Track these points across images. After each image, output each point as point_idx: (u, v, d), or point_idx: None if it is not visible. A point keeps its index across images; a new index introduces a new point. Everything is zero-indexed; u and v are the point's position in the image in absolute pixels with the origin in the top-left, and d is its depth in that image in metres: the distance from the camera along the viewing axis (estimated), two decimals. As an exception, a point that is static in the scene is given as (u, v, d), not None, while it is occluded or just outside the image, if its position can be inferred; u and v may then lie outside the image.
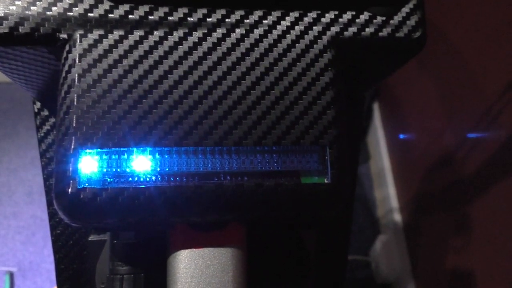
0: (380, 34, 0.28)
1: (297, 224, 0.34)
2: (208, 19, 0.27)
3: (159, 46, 0.26)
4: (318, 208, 0.26)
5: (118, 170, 0.25)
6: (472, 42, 0.76)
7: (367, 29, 0.28)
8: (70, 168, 0.24)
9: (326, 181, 0.26)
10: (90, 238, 0.35)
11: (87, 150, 0.25)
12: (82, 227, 0.37)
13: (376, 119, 1.20)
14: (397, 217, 1.07)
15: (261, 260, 0.33)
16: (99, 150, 0.25)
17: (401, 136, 1.10)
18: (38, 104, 0.37)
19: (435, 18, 0.87)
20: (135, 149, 0.25)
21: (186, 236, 0.28)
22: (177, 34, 0.27)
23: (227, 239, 0.28)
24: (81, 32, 0.26)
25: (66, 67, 0.25)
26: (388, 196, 1.11)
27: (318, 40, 0.28)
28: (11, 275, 1.06)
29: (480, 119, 0.75)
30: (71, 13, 0.26)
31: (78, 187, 0.24)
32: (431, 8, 0.89)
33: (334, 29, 0.28)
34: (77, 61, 0.25)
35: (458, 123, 0.83)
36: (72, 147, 0.24)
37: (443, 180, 0.89)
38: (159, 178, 0.25)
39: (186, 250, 0.28)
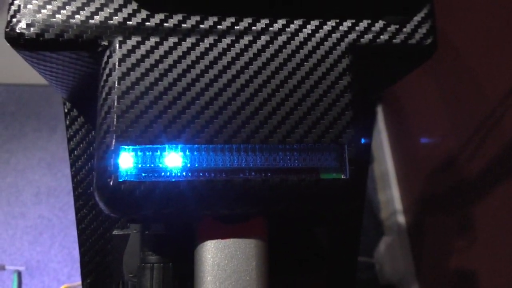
0: (394, 41, 0.30)
1: (312, 220, 0.36)
2: (236, 27, 0.29)
3: (191, 51, 0.28)
4: (336, 201, 0.28)
5: (152, 165, 0.27)
6: (476, 46, 0.77)
7: (381, 37, 0.30)
8: (112, 163, 0.26)
9: (343, 177, 0.28)
10: (114, 232, 0.37)
11: (126, 147, 0.26)
12: (108, 221, 0.38)
13: (379, 121, 1.21)
14: (401, 219, 1.08)
15: (281, 252, 0.35)
16: (136, 146, 0.27)
17: (405, 138, 1.10)
18: (69, 105, 0.39)
19: (439, 22, 0.88)
20: (167, 146, 0.27)
21: (212, 228, 0.30)
22: (208, 40, 0.29)
23: (251, 231, 0.30)
24: (121, 38, 0.28)
25: (107, 71, 0.27)
26: (392, 198, 1.12)
27: (337, 47, 0.30)
28: (19, 274, 1.08)
29: (483, 121, 0.76)
30: (112, 21, 0.28)
31: (119, 180, 0.26)
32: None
33: (351, 36, 0.30)
34: (117, 65, 0.27)
35: (461, 126, 0.84)
36: (113, 144, 0.26)
37: (446, 182, 0.90)
38: (190, 173, 0.27)
39: (213, 241, 0.30)
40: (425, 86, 0.97)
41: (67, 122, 0.38)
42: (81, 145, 0.38)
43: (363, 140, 0.29)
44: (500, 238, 0.73)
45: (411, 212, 1.05)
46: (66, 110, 0.38)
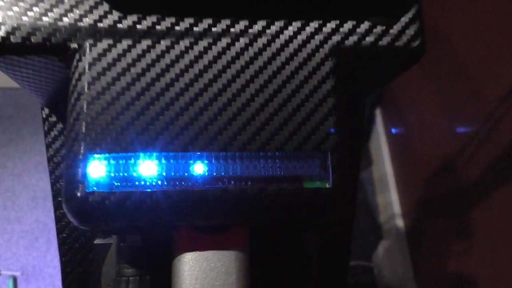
0: (380, 43, 0.29)
1: (299, 226, 0.35)
2: (213, 29, 0.28)
3: (165, 55, 0.27)
4: (320, 211, 0.27)
5: (125, 174, 0.26)
6: (474, 47, 0.76)
7: (367, 38, 0.29)
8: (79, 173, 0.25)
9: (327, 186, 0.27)
10: (95, 242, 0.36)
11: (96, 155, 0.25)
12: (89, 231, 0.37)
13: (378, 124, 1.21)
14: (400, 222, 1.07)
15: (264, 263, 0.34)
16: (107, 155, 0.26)
17: (404, 141, 1.10)
18: (47, 110, 0.38)
19: (437, 24, 0.88)
20: (141, 154, 0.26)
21: (190, 239, 0.29)
22: (183, 43, 0.28)
23: (231, 242, 0.29)
24: (91, 41, 0.27)
25: (76, 75, 0.26)
26: (390, 201, 1.11)
27: (320, 49, 0.29)
28: (15, 279, 1.07)
29: (482, 124, 0.75)
30: (81, 24, 0.27)
31: (86, 190, 0.25)
32: (433, 14, 0.90)
33: (336, 38, 0.29)
34: (87, 70, 0.26)
35: (461, 129, 0.83)
36: (82, 152, 0.25)
37: (445, 185, 0.89)
38: (165, 183, 0.26)
39: (191, 253, 0.28)
40: (424, 89, 0.97)
41: (45, 128, 0.37)
42: (60, 152, 0.37)
43: (349, 147, 0.28)
44: (499, 241, 0.72)
45: (410, 215, 1.05)
46: (44, 116, 0.38)
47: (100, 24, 0.27)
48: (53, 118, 0.38)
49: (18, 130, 1.27)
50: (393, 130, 1.15)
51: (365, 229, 1.12)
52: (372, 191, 1.18)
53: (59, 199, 0.37)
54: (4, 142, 1.25)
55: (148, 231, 0.32)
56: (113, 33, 0.27)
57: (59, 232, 0.38)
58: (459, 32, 0.81)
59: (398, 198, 1.10)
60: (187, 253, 0.28)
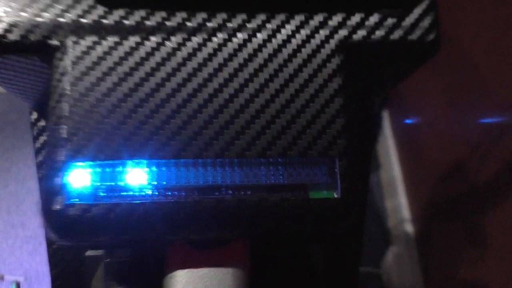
0: (391, 37, 0.27)
1: (304, 239, 0.32)
2: (208, 24, 0.26)
3: (156, 52, 0.25)
4: (326, 224, 0.25)
5: (112, 184, 0.24)
6: (486, 47, 0.74)
7: (377, 32, 0.27)
8: (59, 182, 0.23)
9: (335, 196, 0.25)
10: (87, 254, 0.34)
11: (78, 163, 0.23)
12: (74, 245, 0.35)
13: (386, 127, 1.19)
14: (409, 227, 1.05)
15: (268, 276, 0.32)
16: (91, 163, 0.24)
17: (412, 144, 1.08)
18: (35, 114, 0.36)
19: (446, 22, 0.86)
20: (129, 161, 0.24)
21: (183, 255, 0.27)
22: (175, 39, 0.26)
23: (228, 258, 0.27)
24: (74, 39, 0.25)
25: (57, 75, 0.25)
26: (399, 206, 1.09)
27: (326, 45, 0.26)
28: (18, 284, 1.06)
29: (494, 126, 0.73)
30: (63, 19, 0.25)
31: (66, 202, 0.23)
32: (443, 12, 0.87)
33: (342, 33, 0.27)
34: (69, 69, 0.24)
35: (472, 131, 0.81)
36: (62, 159, 0.23)
37: (457, 189, 0.87)
38: (155, 193, 0.24)
39: (184, 270, 0.26)
40: (433, 90, 0.95)
41: (34, 133, 0.35)
42: None
43: (359, 152, 0.26)
44: (513, 248, 0.70)
45: (420, 220, 1.03)
46: (32, 120, 0.36)
47: (83, 20, 0.25)
48: (42, 123, 0.36)
49: (22, 135, 1.27)
50: (402, 132, 1.14)
51: (373, 235, 1.10)
52: (380, 195, 1.16)
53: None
54: (8, 147, 1.25)
55: (137, 246, 0.30)
56: (98, 29, 0.25)
57: (49, 243, 0.36)
58: (470, 30, 0.79)
59: (407, 202, 1.08)
60: (180, 271, 0.26)
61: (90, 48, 0.25)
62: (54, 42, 0.25)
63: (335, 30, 0.27)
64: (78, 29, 0.25)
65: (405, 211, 1.07)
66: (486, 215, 0.77)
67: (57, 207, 0.23)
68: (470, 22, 0.79)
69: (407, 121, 1.11)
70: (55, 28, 0.25)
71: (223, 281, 0.26)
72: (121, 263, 0.30)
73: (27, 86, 0.29)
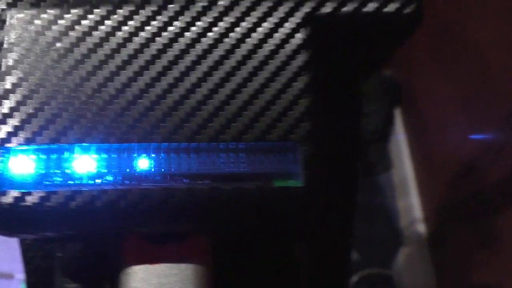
0: (364, 10, 0.24)
1: (273, 234, 0.31)
2: None
3: (99, 26, 0.23)
4: (289, 215, 0.23)
5: (50, 171, 0.22)
6: (499, 43, 0.73)
7: (348, 4, 0.24)
8: None
9: (301, 184, 0.22)
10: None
11: (13, 147, 0.22)
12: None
13: (397, 125, 1.17)
14: (421, 228, 1.03)
15: (237, 276, 0.30)
16: (24, 146, 0.22)
17: (425, 142, 1.06)
18: None
19: (458, 17, 0.85)
20: (69, 145, 0.22)
21: (139, 249, 0.25)
22: (121, 12, 0.24)
23: (187, 253, 0.25)
24: (11, 12, 0.23)
25: None
26: (411, 206, 1.07)
27: (290, 18, 0.24)
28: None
29: (507, 124, 0.72)
30: None
31: None
32: (453, 8, 0.86)
33: (309, 4, 0.24)
34: (5, 45, 0.23)
35: (486, 129, 0.80)
36: None
37: (470, 188, 0.86)
38: (99, 180, 0.22)
39: (140, 266, 0.24)
40: (446, 87, 0.93)
41: None
42: None
43: (331, 138, 0.24)
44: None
45: (432, 221, 1.00)
46: None
47: None
48: None
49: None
50: (414, 131, 1.13)
51: (384, 236, 1.08)
52: (392, 196, 1.14)
53: None
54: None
55: (91, 239, 0.29)
56: (37, 1, 0.24)
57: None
58: (482, 29, 0.78)
59: (420, 202, 1.06)
60: (135, 267, 0.24)
61: (29, 22, 0.23)
62: None
63: (300, 2, 0.24)
64: (15, 2, 0.24)
65: (417, 211, 1.05)
66: (501, 215, 0.75)
67: None
68: (487, 20, 0.78)
69: (419, 120, 1.09)
70: None
71: (180, 277, 0.24)
72: (74, 259, 0.28)
73: None
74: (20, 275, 1.08)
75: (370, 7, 0.24)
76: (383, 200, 1.14)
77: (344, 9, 0.24)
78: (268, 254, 0.31)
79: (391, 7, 0.24)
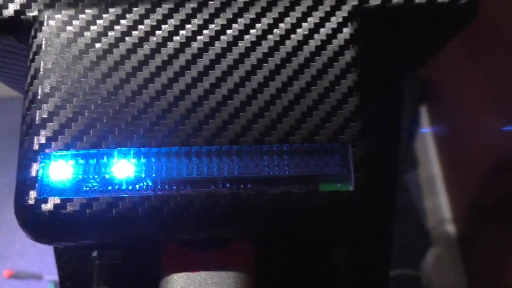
0: (416, 0, 0.23)
1: (320, 240, 0.29)
2: None
3: (138, 26, 0.23)
4: (340, 222, 0.21)
5: (91, 177, 0.21)
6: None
7: None
8: (30, 175, 0.21)
9: (350, 189, 0.21)
10: (94, 254, 0.32)
11: (53, 153, 0.21)
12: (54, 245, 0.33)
13: (424, 122, 1.15)
14: (450, 228, 1.01)
15: (280, 281, 0.29)
16: (67, 152, 0.21)
17: (453, 139, 1.04)
18: None
19: (490, 11, 0.82)
20: (110, 151, 0.21)
21: (179, 257, 0.24)
22: (161, 11, 0.23)
23: (228, 261, 0.24)
24: (48, 13, 0.23)
25: (31, 55, 0.22)
26: (439, 205, 1.05)
27: (336, 12, 0.23)
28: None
29: None
30: None
31: (38, 197, 0.21)
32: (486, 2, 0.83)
33: None
34: (43, 47, 0.22)
35: None
36: (33, 149, 0.21)
37: (500, 186, 0.83)
38: (142, 187, 0.22)
39: (180, 274, 0.24)
40: (475, 82, 0.90)
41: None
42: None
43: (380, 138, 0.22)
44: None
45: (462, 220, 0.98)
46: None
47: None
48: None
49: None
50: (441, 128, 1.10)
51: (412, 236, 1.06)
52: (419, 195, 1.11)
53: None
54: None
55: (131, 247, 0.28)
56: (75, 2, 0.23)
57: None
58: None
59: (448, 201, 1.03)
60: (176, 274, 0.24)
61: (67, 23, 0.22)
62: (28, 17, 0.23)
63: None
64: (53, 2, 0.23)
65: (446, 211, 1.03)
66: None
67: (29, 202, 0.20)
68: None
69: (447, 116, 1.07)
70: (29, 1, 0.23)
71: (222, 286, 0.23)
72: (113, 266, 0.27)
73: (13, 72, 0.27)
74: (49, 276, 1.09)
75: None
76: (409, 200, 1.12)
77: (394, 1, 0.23)
78: (308, 259, 0.30)
79: None
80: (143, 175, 0.22)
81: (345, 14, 0.23)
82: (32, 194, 0.21)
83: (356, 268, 0.34)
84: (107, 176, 0.22)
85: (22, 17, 0.23)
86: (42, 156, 0.21)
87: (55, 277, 1.09)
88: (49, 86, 0.22)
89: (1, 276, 1.08)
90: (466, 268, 0.94)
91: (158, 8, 0.23)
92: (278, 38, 0.23)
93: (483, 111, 0.88)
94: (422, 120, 1.16)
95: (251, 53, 0.22)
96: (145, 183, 0.22)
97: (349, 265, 0.32)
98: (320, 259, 0.30)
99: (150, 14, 0.23)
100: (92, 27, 0.23)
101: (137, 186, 0.22)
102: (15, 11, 0.23)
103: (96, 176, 0.22)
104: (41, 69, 0.22)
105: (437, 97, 1.11)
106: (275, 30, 0.23)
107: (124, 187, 0.21)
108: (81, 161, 0.22)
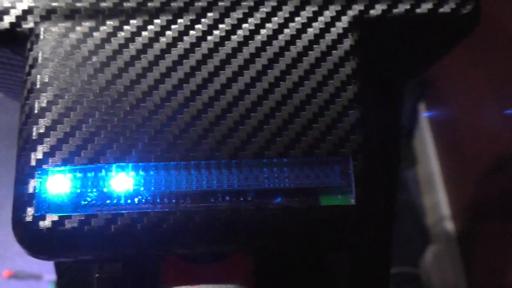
0: (418, 10, 0.23)
1: (320, 248, 0.29)
2: (195, 3, 0.23)
3: (136, 38, 0.22)
4: (341, 236, 0.21)
5: (88, 192, 0.21)
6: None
7: (400, 5, 0.23)
8: (27, 191, 0.21)
9: (352, 202, 0.21)
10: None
11: (49, 168, 0.21)
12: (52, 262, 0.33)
13: (422, 120, 1.15)
14: (449, 225, 1.01)
15: (279, 283, 0.29)
16: (64, 168, 0.21)
17: (452, 136, 1.04)
18: None
19: (490, 8, 0.81)
20: (108, 166, 0.21)
21: (179, 269, 0.24)
22: (159, 22, 0.23)
23: (228, 273, 0.24)
24: (45, 25, 0.22)
25: (27, 69, 0.22)
26: (438, 202, 1.05)
27: (336, 22, 0.22)
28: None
29: None
30: (33, 3, 0.23)
31: (35, 214, 0.20)
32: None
33: (357, 7, 0.23)
34: (39, 60, 0.22)
35: None
36: (30, 164, 0.21)
37: (499, 183, 0.83)
38: (141, 201, 0.21)
39: (180, 287, 0.24)
40: (473, 79, 0.90)
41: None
42: None
43: (381, 149, 0.22)
44: None
45: (461, 217, 0.98)
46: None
47: (55, 4, 0.23)
48: None
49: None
50: (440, 124, 1.10)
51: (411, 233, 1.06)
52: (418, 192, 1.12)
53: None
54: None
55: (130, 260, 0.28)
56: (72, 13, 0.23)
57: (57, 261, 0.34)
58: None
59: (447, 198, 1.03)
60: (175, 287, 0.23)
61: (63, 35, 0.22)
62: (23, 30, 0.22)
63: (348, 4, 0.23)
64: (49, 14, 0.22)
65: (445, 208, 1.03)
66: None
67: (26, 219, 0.20)
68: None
69: (446, 111, 1.06)
70: (24, 13, 0.22)
71: None
72: (113, 279, 0.27)
73: (10, 83, 0.27)
74: (48, 276, 1.09)
75: (424, 8, 0.23)
76: (408, 197, 1.12)
77: (395, 10, 0.23)
78: (307, 265, 0.30)
79: (446, 8, 0.23)
80: (142, 189, 0.22)
81: (346, 25, 0.22)
82: (30, 211, 0.20)
83: (356, 268, 0.34)
84: (105, 190, 0.21)
85: (18, 29, 0.23)
86: (39, 172, 0.21)
87: (55, 277, 1.09)
88: (45, 100, 0.21)
89: (0, 276, 1.08)
90: (465, 265, 0.95)
91: (156, 20, 0.23)
92: (277, 50, 0.22)
93: (481, 107, 0.88)
94: (420, 117, 1.16)
95: (250, 65, 0.22)
96: (143, 197, 0.21)
97: (349, 265, 0.32)
98: (316, 261, 0.30)
99: (148, 26, 0.23)
100: (89, 40, 0.22)
101: (136, 199, 0.21)
102: (11, 24, 0.23)
103: (94, 191, 0.21)
104: (38, 83, 0.22)
105: (435, 94, 1.11)
106: (274, 42, 0.23)
107: (122, 201, 0.21)
108: (78, 176, 0.21)
